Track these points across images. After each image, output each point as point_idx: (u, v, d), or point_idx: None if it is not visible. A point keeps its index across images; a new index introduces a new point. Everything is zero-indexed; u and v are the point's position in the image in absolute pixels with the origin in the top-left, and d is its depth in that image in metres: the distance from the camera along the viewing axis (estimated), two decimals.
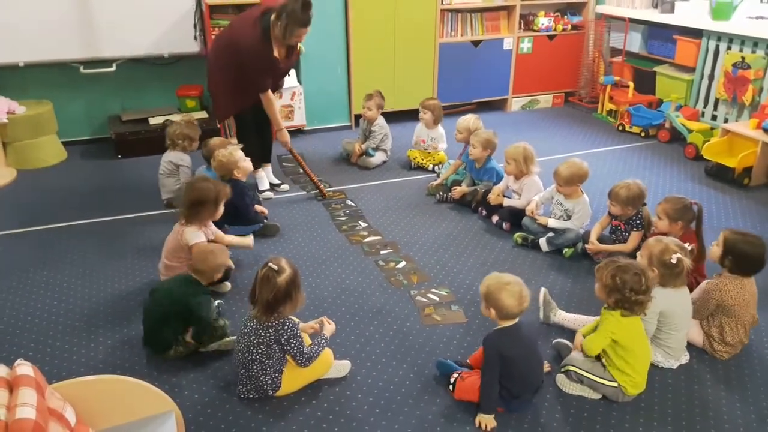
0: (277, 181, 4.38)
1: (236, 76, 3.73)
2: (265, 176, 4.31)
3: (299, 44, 3.85)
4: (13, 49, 4.56)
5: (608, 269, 2.31)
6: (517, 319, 2.27)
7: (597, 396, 2.41)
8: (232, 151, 3.56)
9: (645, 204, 3.22)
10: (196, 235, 2.97)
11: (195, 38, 4.92)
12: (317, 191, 4.24)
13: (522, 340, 2.28)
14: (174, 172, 3.95)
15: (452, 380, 2.41)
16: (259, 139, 4.14)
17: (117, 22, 4.71)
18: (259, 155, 4.15)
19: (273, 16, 3.56)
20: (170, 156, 3.94)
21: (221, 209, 3.11)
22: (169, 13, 4.83)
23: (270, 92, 3.84)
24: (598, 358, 2.42)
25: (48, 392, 1.72)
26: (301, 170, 4.32)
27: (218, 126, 4.99)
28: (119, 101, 5.22)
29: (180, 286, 2.65)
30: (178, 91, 5.19)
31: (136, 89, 5.21)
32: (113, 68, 4.92)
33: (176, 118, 4.82)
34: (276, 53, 3.70)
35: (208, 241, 3.03)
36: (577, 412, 2.36)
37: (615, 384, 2.36)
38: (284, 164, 4.77)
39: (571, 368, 2.43)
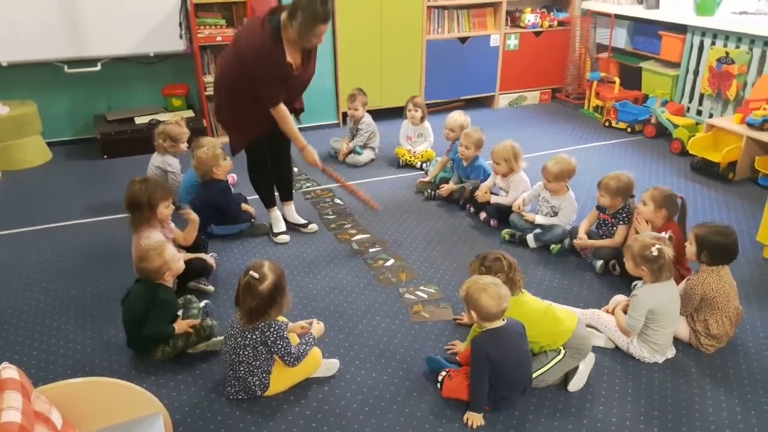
0: (302, 221, 3.75)
1: (246, 96, 3.17)
2: (281, 217, 3.72)
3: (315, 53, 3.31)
4: None
5: (472, 265, 2.52)
6: (503, 321, 2.27)
7: (558, 379, 2.47)
8: (213, 149, 3.51)
9: (633, 196, 3.24)
10: (151, 239, 2.84)
11: (180, 37, 4.89)
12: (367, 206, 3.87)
13: (510, 341, 2.28)
14: (162, 178, 3.79)
15: (440, 378, 2.42)
16: (274, 175, 3.65)
17: (101, 21, 4.67)
18: (273, 193, 3.69)
19: (284, 16, 3.02)
20: (157, 161, 3.86)
21: (163, 212, 2.92)
22: (154, 12, 4.79)
23: (282, 106, 3.21)
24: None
25: (34, 395, 1.71)
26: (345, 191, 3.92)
27: (205, 126, 4.97)
28: (104, 101, 5.18)
29: (140, 293, 2.59)
30: (164, 90, 5.15)
31: (121, 89, 5.17)
32: (98, 67, 4.88)
33: (165, 117, 4.79)
34: (289, 58, 3.12)
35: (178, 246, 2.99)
36: (565, 407, 2.37)
37: (559, 355, 2.42)
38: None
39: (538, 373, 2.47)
